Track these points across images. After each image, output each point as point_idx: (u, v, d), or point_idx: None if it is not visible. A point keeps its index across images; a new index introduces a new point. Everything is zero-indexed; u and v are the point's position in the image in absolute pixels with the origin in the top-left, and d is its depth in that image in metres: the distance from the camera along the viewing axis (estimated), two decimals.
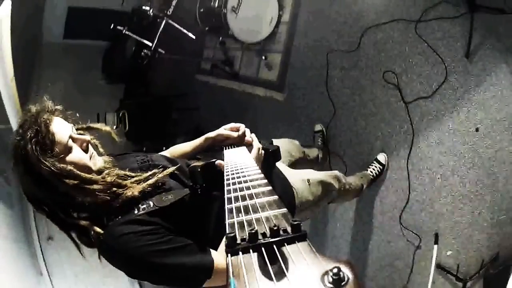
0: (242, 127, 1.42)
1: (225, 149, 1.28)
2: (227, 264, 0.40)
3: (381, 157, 2.55)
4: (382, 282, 2.53)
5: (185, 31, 3.43)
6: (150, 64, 3.57)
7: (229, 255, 0.41)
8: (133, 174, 1.14)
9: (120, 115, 3.47)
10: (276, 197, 0.58)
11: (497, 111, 2.04)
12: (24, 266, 2.64)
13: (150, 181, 1.10)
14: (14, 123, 2.74)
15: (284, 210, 0.52)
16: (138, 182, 1.11)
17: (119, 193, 1.07)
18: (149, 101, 4.23)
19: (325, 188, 1.77)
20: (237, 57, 3.85)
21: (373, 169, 2.52)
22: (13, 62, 2.69)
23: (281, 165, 1.67)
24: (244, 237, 0.43)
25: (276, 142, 1.78)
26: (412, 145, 2.41)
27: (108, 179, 1.08)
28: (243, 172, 0.81)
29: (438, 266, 2.19)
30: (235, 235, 0.44)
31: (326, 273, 0.33)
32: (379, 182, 2.57)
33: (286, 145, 2.01)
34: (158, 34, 3.24)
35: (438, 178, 2.28)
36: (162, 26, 3.27)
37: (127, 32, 3.22)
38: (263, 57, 3.51)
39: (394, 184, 2.51)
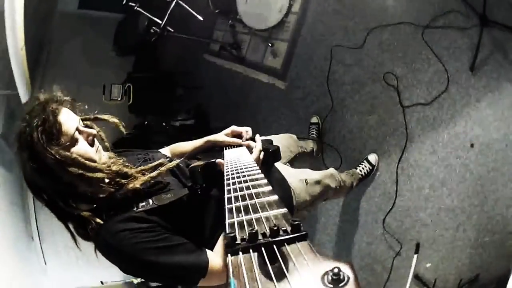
0: (244, 132, 1.33)
1: (225, 149, 1.23)
2: (227, 264, 0.37)
3: (372, 157, 2.35)
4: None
5: (193, 12, 3.18)
6: (160, 41, 3.35)
7: (229, 255, 0.38)
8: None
9: (126, 87, 3.26)
10: (276, 197, 0.55)
11: (496, 130, 1.81)
12: (16, 230, 2.55)
13: (154, 173, 1.04)
14: (21, 90, 2.64)
15: (284, 210, 0.48)
16: (143, 172, 1.04)
17: (122, 183, 1.00)
18: (156, 76, 4.01)
19: (322, 188, 1.67)
20: (244, 41, 3.59)
21: (363, 168, 2.33)
22: (25, 30, 2.51)
23: (279, 165, 1.55)
24: (244, 237, 0.41)
25: (275, 138, 1.68)
26: (404, 150, 2.20)
27: (114, 167, 1.01)
28: (243, 172, 0.77)
29: (416, 277, 2.00)
30: (235, 235, 0.41)
31: (326, 273, 0.31)
32: (367, 182, 2.36)
33: (285, 141, 1.90)
34: (168, 13, 3.01)
35: (427, 188, 2.07)
36: (172, 6, 3.02)
37: (138, 9, 3.00)
38: (269, 44, 3.25)
39: (381, 186, 2.31)
